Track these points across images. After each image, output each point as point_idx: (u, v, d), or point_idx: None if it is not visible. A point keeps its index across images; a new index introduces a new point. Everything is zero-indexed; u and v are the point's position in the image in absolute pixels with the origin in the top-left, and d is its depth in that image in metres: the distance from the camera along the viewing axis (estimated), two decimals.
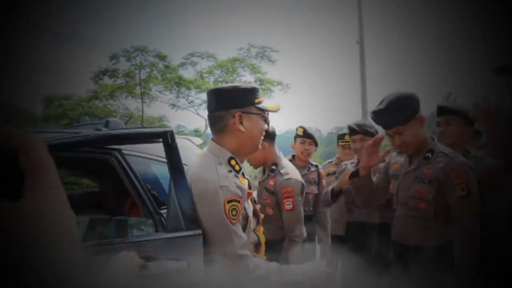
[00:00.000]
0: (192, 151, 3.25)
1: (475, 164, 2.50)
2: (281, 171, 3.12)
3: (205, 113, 13.09)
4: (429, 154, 2.43)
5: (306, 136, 3.92)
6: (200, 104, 16.30)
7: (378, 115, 2.45)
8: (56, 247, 0.39)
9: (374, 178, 2.65)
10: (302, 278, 1.67)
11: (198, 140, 3.56)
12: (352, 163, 3.66)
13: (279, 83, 16.35)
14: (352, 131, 3.55)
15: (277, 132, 3.25)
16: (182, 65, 15.61)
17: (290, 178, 3.09)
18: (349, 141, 3.87)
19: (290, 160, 3.80)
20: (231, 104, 1.75)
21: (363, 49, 16.48)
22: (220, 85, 1.93)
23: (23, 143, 0.41)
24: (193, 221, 1.80)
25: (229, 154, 1.77)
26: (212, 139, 1.83)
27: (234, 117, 1.74)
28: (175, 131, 2.11)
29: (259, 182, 3.25)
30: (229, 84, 1.84)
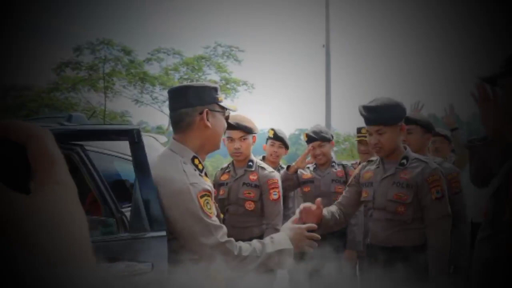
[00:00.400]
0: (156, 150, 3.20)
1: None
2: (262, 166, 3.22)
3: (168, 110, 13.06)
4: (404, 161, 2.58)
5: (275, 138, 3.90)
6: (164, 101, 16.13)
7: (369, 110, 2.57)
8: (65, 243, 0.37)
9: (345, 193, 2.77)
10: (285, 244, 1.72)
11: (163, 138, 3.51)
12: (308, 166, 3.77)
13: (245, 83, 16.39)
14: (310, 138, 3.66)
15: None
16: (148, 60, 15.43)
17: (273, 171, 3.24)
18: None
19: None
20: (198, 101, 1.77)
21: (329, 52, 16.76)
22: (184, 83, 1.94)
23: (31, 136, 0.39)
24: (159, 222, 1.77)
25: (192, 153, 1.78)
26: (173, 138, 1.81)
27: (201, 113, 1.76)
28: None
29: (234, 180, 3.23)
30: (193, 83, 1.87)
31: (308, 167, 3.75)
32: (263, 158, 4.00)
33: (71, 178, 0.41)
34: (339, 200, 2.73)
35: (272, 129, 3.89)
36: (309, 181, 3.71)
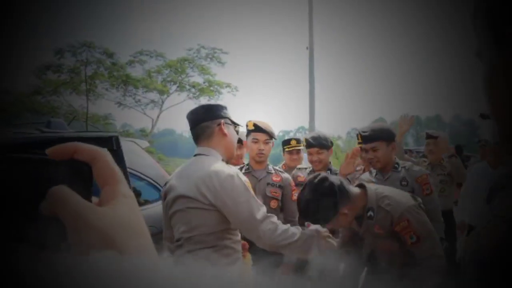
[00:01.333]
0: (137, 154, 3.22)
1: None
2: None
3: (151, 112, 12.80)
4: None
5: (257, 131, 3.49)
6: (147, 104, 16.06)
7: (365, 132, 3.03)
8: (150, 247, 0.41)
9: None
10: (314, 234, 2.13)
11: (144, 143, 3.52)
12: (306, 168, 3.79)
13: (228, 85, 16.37)
14: (309, 144, 3.64)
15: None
16: (130, 63, 15.33)
17: (289, 175, 3.59)
18: (295, 147, 4.06)
19: (248, 164, 3.75)
20: (216, 115, 2.17)
21: (313, 55, 16.86)
22: (203, 103, 2.43)
23: (96, 156, 0.44)
24: None
25: (220, 157, 2.16)
26: (200, 147, 2.17)
27: (219, 124, 2.15)
28: (119, 131, 2.06)
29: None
30: (208, 103, 2.32)
31: (305, 169, 3.78)
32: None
33: (131, 190, 0.45)
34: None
35: (251, 120, 3.48)
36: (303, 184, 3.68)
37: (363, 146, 3.02)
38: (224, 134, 2.16)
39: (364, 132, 3.05)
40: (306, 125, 16.81)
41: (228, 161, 3.52)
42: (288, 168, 4.04)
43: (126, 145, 3.36)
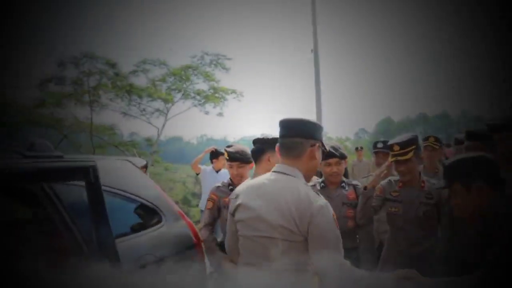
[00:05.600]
0: (133, 174, 2.99)
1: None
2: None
3: (157, 121, 12.77)
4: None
5: (232, 159, 3.59)
6: (152, 113, 15.89)
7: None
8: None
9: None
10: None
11: (141, 161, 3.30)
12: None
13: (233, 91, 16.18)
14: (330, 154, 3.39)
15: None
16: (134, 72, 15.17)
17: None
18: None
19: (230, 184, 3.63)
20: (314, 136, 2.08)
21: (318, 57, 16.65)
22: (302, 118, 2.15)
23: None
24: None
25: (303, 178, 2.08)
26: (284, 163, 2.08)
27: (313, 146, 2.07)
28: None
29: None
30: (309, 119, 2.12)
31: (314, 185, 3.46)
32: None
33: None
34: None
35: (226, 150, 3.59)
36: None
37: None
38: (314, 157, 2.09)
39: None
40: None
41: (237, 183, 3.39)
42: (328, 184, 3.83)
43: (120, 165, 3.13)
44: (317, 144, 2.08)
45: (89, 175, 1.72)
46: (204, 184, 6.75)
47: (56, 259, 2.22)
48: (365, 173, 11.56)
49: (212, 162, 7.03)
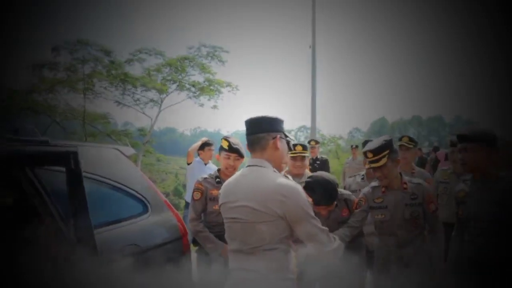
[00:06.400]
0: (122, 162, 2.95)
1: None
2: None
3: (151, 111, 12.71)
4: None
5: (230, 150, 3.57)
6: (146, 103, 15.78)
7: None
8: None
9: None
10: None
11: (129, 150, 3.24)
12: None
13: (229, 84, 16.10)
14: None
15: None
16: (129, 61, 15.02)
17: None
18: (300, 153, 4.00)
19: (218, 177, 3.63)
20: (274, 129, 2.31)
21: (315, 54, 16.62)
22: (262, 115, 2.36)
23: None
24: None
25: (272, 168, 2.29)
26: (254, 157, 2.32)
27: (274, 138, 2.29)
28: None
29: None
30: (269, 115, 2.34)
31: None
32: (219, 171, 3.70)
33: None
34: None
35: (226, 140, 3.60)
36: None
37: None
38: (277, 148, 2.30)
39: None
40: (308, 124, 16.61)
41: (228, 174, 3.41)
42: (292, 176, 3.77)
43: (109, 153, 3.08)
44: (278, 136, 2.30)
45: (69, 161, 1.67)
46: (192, 175, 6.62)
47: (35, 243, 2.18)
48: (357, 172, 11.57)
49: (198, 154, 6.94)
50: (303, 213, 2.16)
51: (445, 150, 12.05)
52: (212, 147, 6.82)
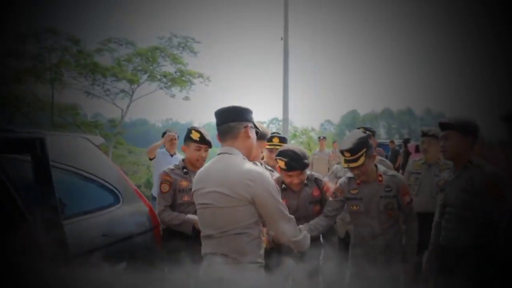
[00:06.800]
0: (90, 151, 2.86)
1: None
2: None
3: (122, 102, 12.42)
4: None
5: (202, 142, 3.51)
6: (117, 93, 15.52)
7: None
8: None
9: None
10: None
11: (99, 140, 3.14)
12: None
13: (201, 75, 15.99)
14: (292, 167, 3.30)
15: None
16: (99, 51, 14.73)
17: None
18: (277, 145, 3.93)
19: (184, 167, 3.54)
20: (244, 118, 2.37)
21: (287, 46, 16.60)
22: (234, 105, 2.43)
23: None
24: None
25: (242, 156, 2.35)
26: (225, 146, 2.36)
27: (245, 127, 2.35)
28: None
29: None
30: (240, 105, 2.41)
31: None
32: (183, 161, 3.60)
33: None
34: None
35: (198, 131, 3.53)
36: None
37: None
38: (248, 137, 2.36)
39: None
40: (280, 117, 16.64)
41: (198, 166, 3.34)
42: (269, 167, 3.76)
43: (78, 142, 2.99)
44: (249, 125, 2.37)
45: (35, 148, 1.57)
46: (158, 167, 6.35)
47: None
48: (325, 163, 11.70)
49: (164, 145, 6.74)
50: (270, 197, 2.23)
51: (416, 142, 12.22)
52: (175, 135, 6.60)
